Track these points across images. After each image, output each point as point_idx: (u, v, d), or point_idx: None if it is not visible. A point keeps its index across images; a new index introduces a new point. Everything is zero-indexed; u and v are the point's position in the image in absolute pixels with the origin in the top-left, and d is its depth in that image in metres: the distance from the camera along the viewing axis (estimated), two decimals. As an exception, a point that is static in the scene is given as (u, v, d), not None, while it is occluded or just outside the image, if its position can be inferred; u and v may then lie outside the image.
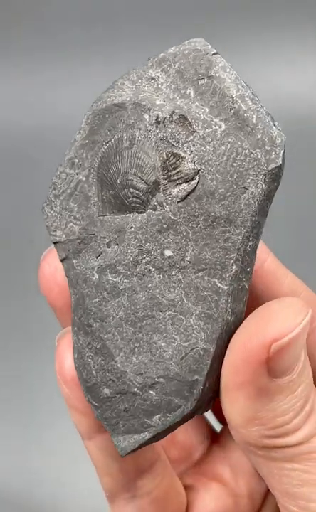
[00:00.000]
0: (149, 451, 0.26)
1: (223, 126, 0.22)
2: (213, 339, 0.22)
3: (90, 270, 0.23)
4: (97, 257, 0.23)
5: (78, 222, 0.23)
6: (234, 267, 0.22)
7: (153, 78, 0.23)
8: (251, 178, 0.21)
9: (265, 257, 0.26)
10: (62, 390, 0.24)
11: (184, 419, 0.22)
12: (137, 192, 0.22)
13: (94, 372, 0.23)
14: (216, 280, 0.22)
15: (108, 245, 0.23)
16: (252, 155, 0.21)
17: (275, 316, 0.20)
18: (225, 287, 0.22)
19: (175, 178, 0.22)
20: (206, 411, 0.23)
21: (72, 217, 0.23)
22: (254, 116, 0.22)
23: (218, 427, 0.31)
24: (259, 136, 0.21)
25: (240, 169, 0.22)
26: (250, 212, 0.21)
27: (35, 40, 0.71)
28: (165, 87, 0.22)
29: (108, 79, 0.24)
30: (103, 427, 0.24)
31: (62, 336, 0.25)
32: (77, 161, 0.23)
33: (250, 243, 0.22)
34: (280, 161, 0.21)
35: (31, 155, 0.68)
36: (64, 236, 0.23)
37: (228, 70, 0.22)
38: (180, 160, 0.22)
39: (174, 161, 0.22)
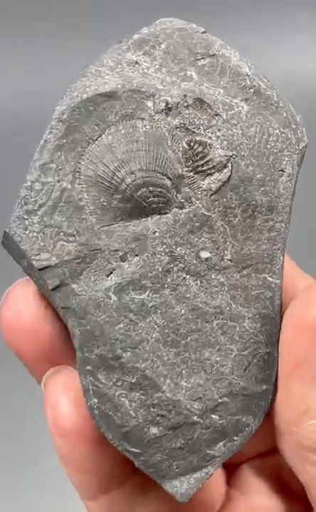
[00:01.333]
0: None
1: (246, 107, 0.20)
2: (275, 341, 0.20)
3: (102, 292, 0.19)
4: (108, 276, 0.19)
5: (72, 239, 0.19)
6: (281, 257, 0.20)
7: (136, 62, 0.20)
8: (286, 159, 0.20)
9: None
10: (56, 445, 0.20)
11: (249, 439, 0.20)
12: (159, 190, 0.19)
13: (132, 412, 0.19)
14: (266, 275, 0.20)
15: (122, 259, 0.19)
16: (283, 134, 0.20)
17: None
18: (278, 281, 0.20)
19: (204, 168, 0.20)
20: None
21: (62, 233, 0.19)
22: (274, 94, 0.20)
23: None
24: (284, 115, 0.20)
25: (275, 150, 0.20)
26: (289, 196, 0.20)
27: (32, 28, 0.70)
28: (153, 71, 0.20)
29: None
30: (108, 486, 0.21)
31: (50, 377, 0.21)
32: (54, 165, 0.19)
33: (287, 230, 0.20)
34: (306, 139, 0.20)
35: (31, 155, 0.67)
36: (54, 258, 0.19)
37: (228, 47, 0.20)
38: (208, 147, 0.20)
39: (200, 149, 0.20)
